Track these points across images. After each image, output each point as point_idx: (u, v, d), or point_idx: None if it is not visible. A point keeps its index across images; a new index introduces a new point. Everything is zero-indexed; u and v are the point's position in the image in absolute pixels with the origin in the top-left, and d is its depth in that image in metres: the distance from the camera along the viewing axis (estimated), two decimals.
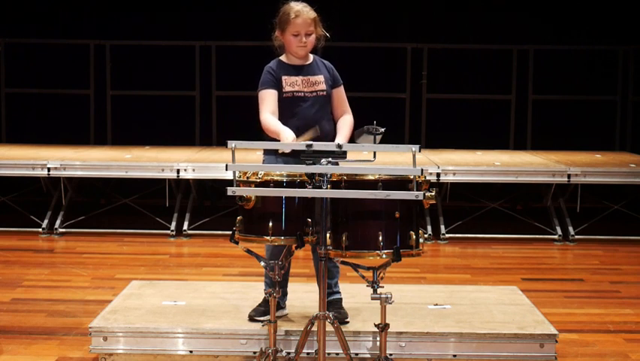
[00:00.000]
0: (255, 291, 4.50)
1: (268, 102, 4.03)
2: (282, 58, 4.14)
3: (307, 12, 4.03)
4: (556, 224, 7.39)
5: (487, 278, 5.93)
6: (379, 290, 3.43)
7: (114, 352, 4.01)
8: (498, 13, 9.32)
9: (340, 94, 4.20)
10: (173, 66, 9.46)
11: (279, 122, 3.97)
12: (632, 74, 9.42)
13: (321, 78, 4.11)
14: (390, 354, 3.69)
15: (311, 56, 4.16)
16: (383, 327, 3.47)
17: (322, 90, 4.10)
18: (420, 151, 3.34)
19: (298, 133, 3.88)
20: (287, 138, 3.81)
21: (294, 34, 4.03)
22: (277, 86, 4.06)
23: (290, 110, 4.05)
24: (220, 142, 9.16)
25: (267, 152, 4.14)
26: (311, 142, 3.41)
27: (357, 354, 3.94)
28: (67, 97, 9.47)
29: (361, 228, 3.37)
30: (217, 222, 7.42)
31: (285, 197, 3.50)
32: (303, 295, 4.47)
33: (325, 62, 4.20)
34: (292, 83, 4.07)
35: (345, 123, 4.14)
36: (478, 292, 4.76)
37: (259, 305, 4.15)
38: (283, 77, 4.07)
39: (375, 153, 3.54)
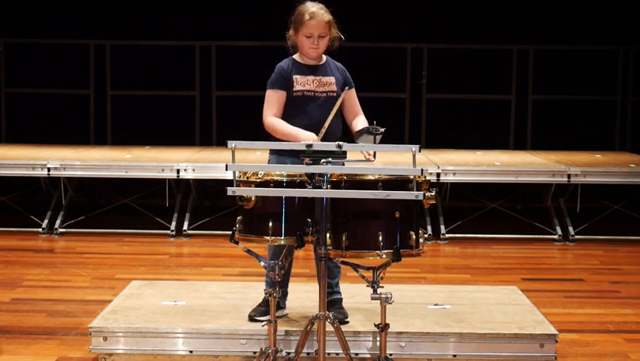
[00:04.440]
0: (255, 291, 4.51)
1: (273, 104, 4.06)
2: (296, 57, 4.15)
3: (322, 14, 4.02)
4: (556, 224, 7.39)
5: (487, 278, 5.93)
6: (379, 290, 3.43)
7: (114, 352, 4.01)
8: (498, 13, 9.32)
9: (352, 96, 4.19)
10: (173, 66, 9.46)
11: (288, 124, 3.99)
12: (632, 74, 9.42)
13: (332, 79, 4.12)
14: (391, 354, 3.69)
15: (324, 57, 4.16)
16: (383, 327, 3.47)
17: (333, 91, 4.10)
18: (420, 151, 3.34)
19: (307, 131, 3.90)
20: (308, 140, 3.77)
21: (307, 35, 4.03)
22: (286, 86, 4.06)
23: (299, 108, 4.06)
24: (220, 142, 9.16)
25: (272, 151, 4.14)
26: (311, 142, 3.41)
27: (357, 354, 3.94)
28: (67, 97, 9.47)
29: (361, 228, 3.37)
30: (217, 223, 7.43)
31: (285, 197, 3.50)
32: (303, 295, 4.47)
33: (337, 63, 4.20)
34: (303, 83, 4.07)
35: (362, 123, 4.11)
36: (478, 292, 4.76)
37: (259, 305, 4.15)
38: (294, 77, 4.07)
39: (375, 153, 3.54)
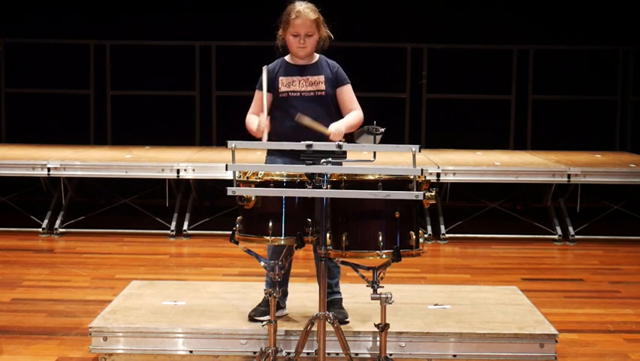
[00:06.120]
0: (255, 291, 4.51)
1: (254, 103, 4.16)
2: (287, 57, 4.15)
3: (308, 13, 4.01)
4: (556, 224, 7.39)
5: (487, 278, 5.93)
6: (379, 290, 3.43)
7: (114, 352, 4.01)
8: (498, 13, 9.32)
9: (346, 93, 4.16)
10: (173, 66, 9.46)
11: (254, 117, 4.06)
12: (632, 74, 9.42)
13: (321, 78, 4.11)
14: (391, 354, 3.69)
15: (316, 56, 4.15)
16: (383, 327, 3.47)
17: (321, 90, 4.09)
18: (420, 151, 3.34)
19: (294, 132, 3.90)
20: (259, 125, 3.94)
21: (294, 34, 4.03)
22: (270, 88, 4.06)
23: (285, 110, 4.06)
24: (220, 142, 9.16)
25: (269, 152, 4.15)
26: (311, 142, 3.41)
27: (357, 354, 3.94)
28: (67, 97, 9.47)
29: (361, 228, 3.37)
30: (217, 223, 7.43)
31: (285, 197, 3.50)
32: (303, 295, 4.47)
33: (330, 61, 4.18)
34: (288, 83, 4.07)
35: (351, 114, 4.12)
36: (478, 292, 4.76)
37: (259, 305, 4.15)
38: (280, 78, 4.08)
39: (375, 153, 3.54)
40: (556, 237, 7.28)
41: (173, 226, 7.32)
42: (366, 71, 9.05)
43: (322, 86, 4.09)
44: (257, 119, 4.01)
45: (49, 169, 7.13)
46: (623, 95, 9.48)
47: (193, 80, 9.44)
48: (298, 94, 4.07)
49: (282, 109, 4.07)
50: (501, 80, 9.46)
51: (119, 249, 6.82)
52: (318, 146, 3.39)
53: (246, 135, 4.08)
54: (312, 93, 4.07)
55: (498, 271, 6.18)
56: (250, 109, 4.16)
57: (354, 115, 4.10)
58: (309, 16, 4.01)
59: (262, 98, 4.05)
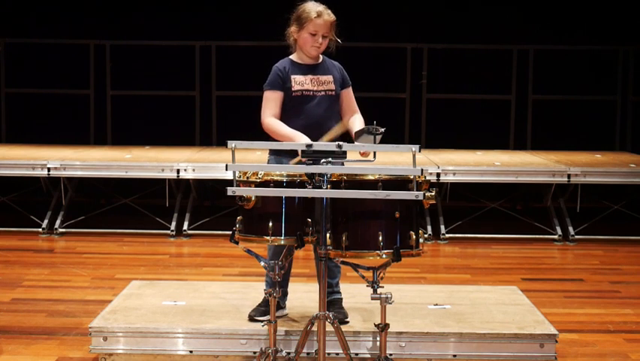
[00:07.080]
0: (255, 291, 4.51)
1: (271, 105, 4.06)
2: (293, 57, 4.14)
3: (329, 14, 4.05)
4: (556, 224, 7.39)
5: (487, 278, 5.93)
6: (379, 290, 3.43)
7: (114, 352, 4.01)
8: (498, 13, 9.32)
9: (349, 95, 4.20)
10: (173, 66, 9.46)
11: (286, 126, 4.00)
12: (632, 74, 9.42)
13: (330, 78, 4.12)
14: (391, 354, 3.69)
15: (321, 56, 4.17)
16: (383, 327, 3.47)
17: (331, 90, 4.10)
18: (420, 151, 3.34)
19: (306, 131, 3.91)
20: (297, 139, 3.86)
21: (312, 33, 4.03)
22: (283, 87, 4.06)
23: (297, 108, 4.05)
24: (220, 142, 9.17)
25: (272, 152, 4.14)
26: (311, 142, 3.41)
27: (357, 354, 3.94)
28: (67, 97, 9.47)
29: (361, 228, 3.37)
30: (217, 223, 7.43)
31: (285, 197, 3.50)
32: (303, 295, 4.47)
33: (335, 62, 4.20)
34: (301, 82, 4.07)
35: (359, 122, 4.14)
36: (478, 292, 4.76)
37: (259, 305, 4.15)
38: (293, 77, 4.07)
39: (375, 153, 3.54)
40: (556, 237, 7.28)
41: (173, 225, 7.32)
42: (366, 71, 9.04)
43: (332, 86, 4.11)
44: (289, 128, 3.98)
45: (49, 169, 7.13)
46: (623, 95, 9.48)
47: (193, 80, 9.43)
48: (311, 93, 4.07)
49: (294, 107, 4.06)
50: (501, 80, 9.47)
51: (119, 249, 6.82)
52: (318, 146, 3.39)
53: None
54: (323, 92, 4.08)
55: (498, 271, 6.18)
56: (268, 110, 4.05)
57: (361, 123, 4.12)
58: (330, 18, 4.04)
59: (276, 98, 4.04)
